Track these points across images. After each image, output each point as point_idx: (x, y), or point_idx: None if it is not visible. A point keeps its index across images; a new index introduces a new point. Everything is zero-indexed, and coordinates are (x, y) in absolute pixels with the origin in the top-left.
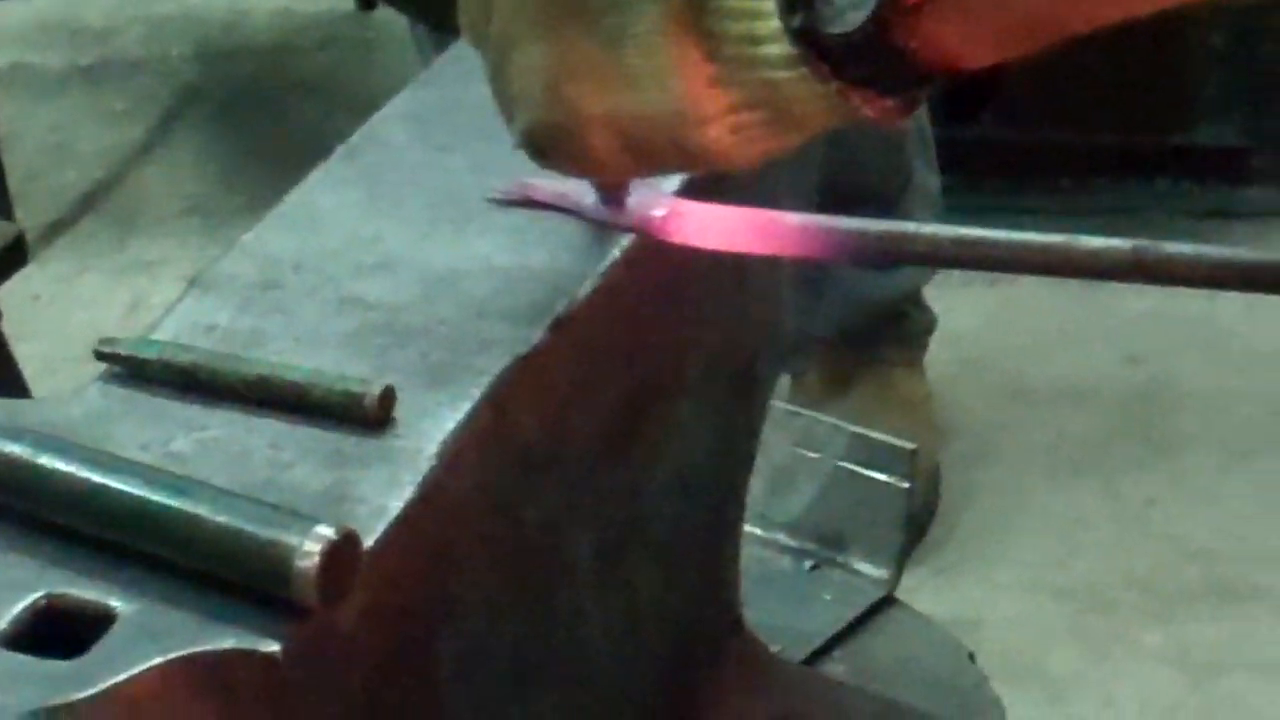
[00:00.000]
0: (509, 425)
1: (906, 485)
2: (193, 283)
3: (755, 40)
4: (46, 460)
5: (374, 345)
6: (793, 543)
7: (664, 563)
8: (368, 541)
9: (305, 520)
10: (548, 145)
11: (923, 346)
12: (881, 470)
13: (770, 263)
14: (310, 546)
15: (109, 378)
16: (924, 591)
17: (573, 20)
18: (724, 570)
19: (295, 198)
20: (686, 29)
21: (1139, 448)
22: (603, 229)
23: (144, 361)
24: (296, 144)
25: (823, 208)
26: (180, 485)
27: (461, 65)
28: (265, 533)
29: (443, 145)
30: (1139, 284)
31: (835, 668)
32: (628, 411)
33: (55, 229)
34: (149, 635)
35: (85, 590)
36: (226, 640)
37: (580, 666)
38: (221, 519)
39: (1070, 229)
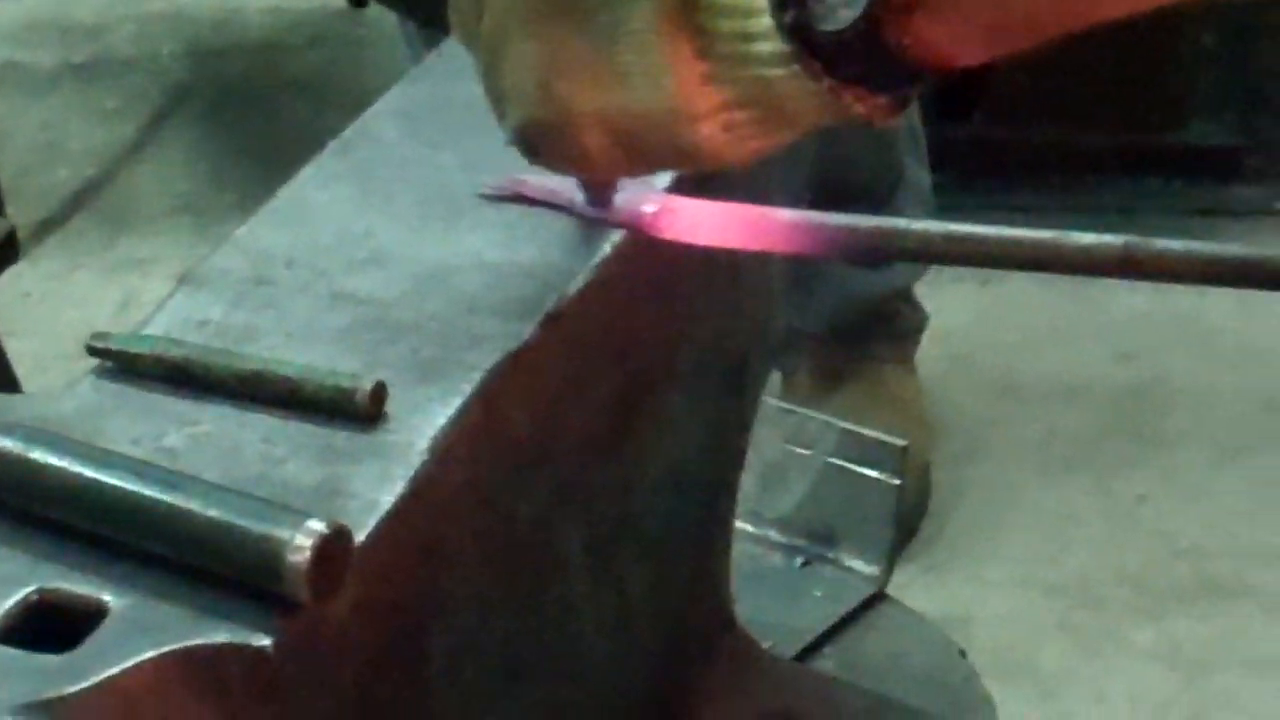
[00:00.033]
0: (500, 420)
1: (897, 482)
2: (185, 278)
3: (747, 38)
4: (39, 455)
5: (365, 340)
6: (784, 539)
7: (655, 559)
8: (359, 536)
9: (297, 515)
10: (540, 143)
11: (914, 344)
12: (872, 467)
13: (761, 259)
14: (302, 541)
15: (101, 372)
16: (915, 588)
17: (565, 18)
18: (715, 566)
19: (287, 193)
20: (679, 26)
21: (1130, 445)
22: (593, 225)
23: (136, 356)
24: (288, 142)
25: (814, 206)
26: (172, 480)
27: (452, 62)
28: (257, 527)
29: (434, 141)
30: (1130, 280)
31: (826, 664)
32: (619, 407)
33: (46, 226)
34: (141, 629)
35: (77, 585)
36: (218, 634)
37: (571, 662)
38: (213, 513)
39: (1062, 227)
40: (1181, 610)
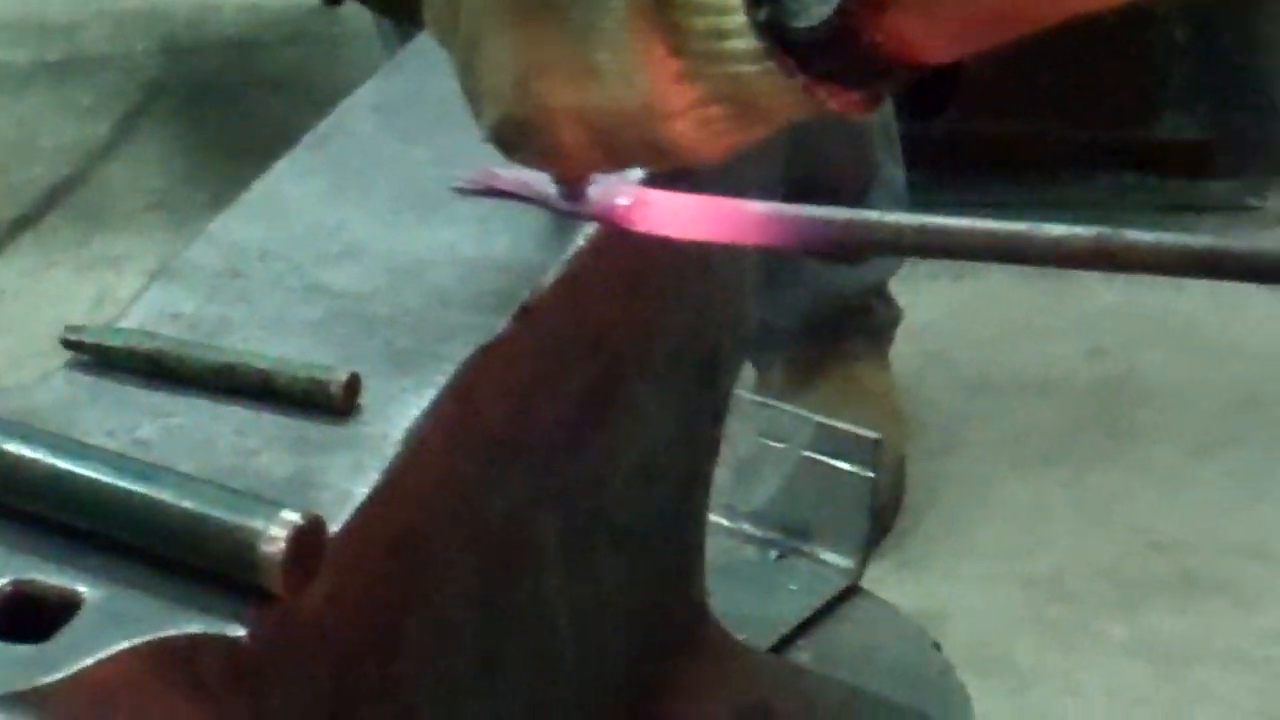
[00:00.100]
0: (474, 413)
1: (871, 475)
2: (159, 271)
3: (721, 35)
4: (12, 447)
5: (339, 333)
6: (758, 532)
7: (629, 551)
8: (333, 527)
9: (271, 506)
10: (516, 140)
11: (888, 339)
12: (846, 459)
13: (734, 251)
14: (276, 532)
15: (75, 365)
16: (889, 583)
17: (540, 16)
18: (689, 558)
19: (261, 187)
20: (653, 24)
21: (1104, 440)
22: (566, 218)
23: (110, 349)
24: (262, 139)
25: (788, 202)
26: (146, 471)
27: (426, 56)
28: (231, 518)
29: (408, 135)
30: (1102, 272)
31: (801, 656)
32: (592, 399)
33: (20, 224)
34: (115, 621)
35: (52, 576)
36: (193, 625)
37: (546, 654)
38: (187, 505)
39: (1035, 222)
40: (1156, 604)
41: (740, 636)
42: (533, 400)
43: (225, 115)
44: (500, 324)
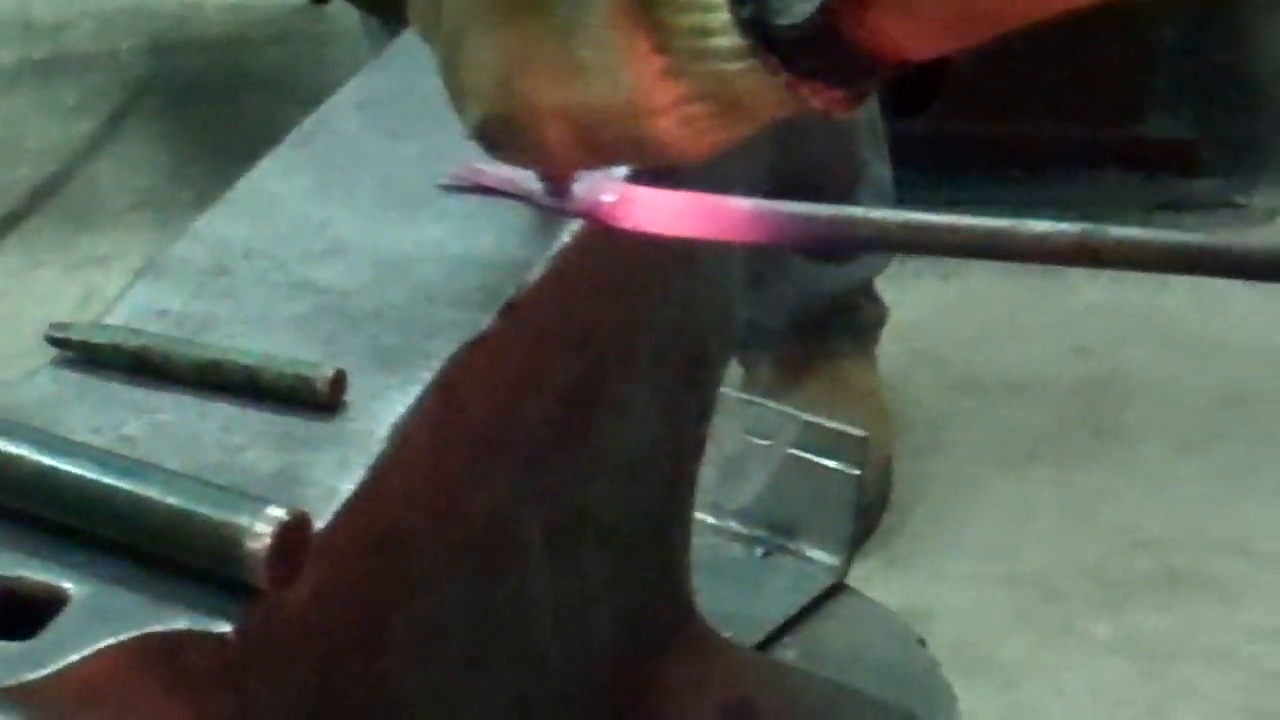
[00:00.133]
0: (459, 409)
1: (857, 472)
2: (144, 268)
3: (705, 32)
4: None
5: (325, 329)
6: (744, 530)
7: (615, 548)
8: (318, 524)
9: (256, 502)
10: (500, 138)
11: (874, 338)
12: (832, 457)
13: (720, 249)
14: (261, 528)
15: (60, 362)
16: (875, 582)
17: (523, 12)
18: (675, 556)
19: (246, 184)
20: (637, 21)
21: (1089, 438)
22: (552, 215)
23: (96, 346)
24: (249, 138)
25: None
26: (132, 468)
27: (411, 54)
28: (216, 515)
29: (394, 132)
30: (1086, 269)
31: (787, 653)
32: (577, 396)
33: (7, 224)
34: (101, 617)
35: (37, 573)
36: (178, 621)
37: (532, 650)
38: (173, 501)
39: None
40: (1141, 602)
41: (726, 634)
42: (518, 397)
43: (212, 114)
44: (486, 321)
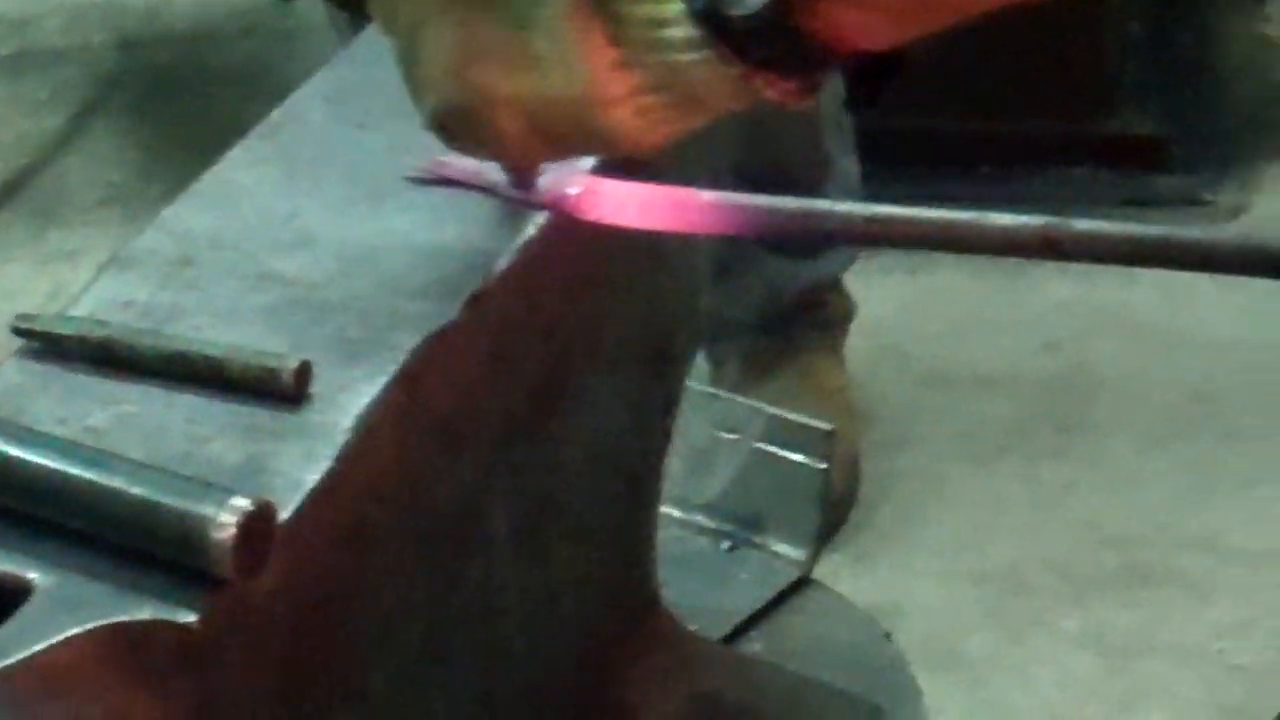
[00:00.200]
0: (424, 400)
1: (823, 466)
2: (111, 260)
3: (659, 23)
4: None
5: (291, 321)
6: (711, 523)
7: (580, 539)
8: (284, 514)
9: (221, 492)
10: (456, 128)
11: (842, 334)
12: (798, 451)
13: (686, 242)
14: (226, 518)
15: (26, 353)
16: (844, 578)
17: (479, 4)
18: (641, 548)
19: (213, 175)
20: (591, 12)
21: (1057, 433)
22: (517, 207)
23: (61, 337)
24: (218, 133)
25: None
26: (97, 459)
27: (377, 46)
28: (182, 505)
29: (360, 124)
30: (1053, 264)
31: (753, 646)
32: (542, 387)
33: None
34: (66, 607)
35: (2, 563)
36: (144, 611)
37: (496, 641)
38: (138, 491)
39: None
40: (1108, 597)
41: (692, 627)
42: (483, 388)
43: (180, 109)
44: (451, 312)
